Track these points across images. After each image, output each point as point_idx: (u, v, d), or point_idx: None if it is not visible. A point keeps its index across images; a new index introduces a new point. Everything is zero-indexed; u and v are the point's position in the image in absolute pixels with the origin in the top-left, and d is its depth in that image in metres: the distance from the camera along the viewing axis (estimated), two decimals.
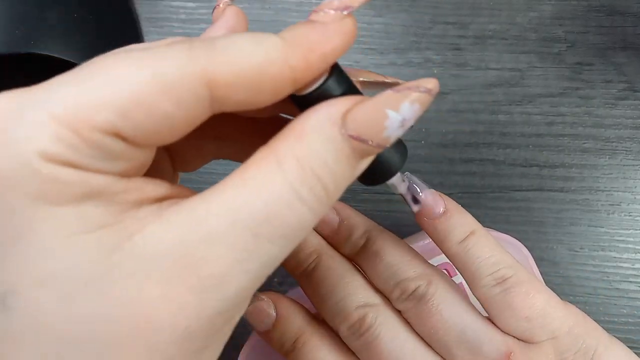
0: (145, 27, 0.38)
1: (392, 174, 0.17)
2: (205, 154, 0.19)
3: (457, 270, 0.28)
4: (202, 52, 0.13)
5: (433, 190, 0.22)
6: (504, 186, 0.34)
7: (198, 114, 0.13)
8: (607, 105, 0.34)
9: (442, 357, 0.21)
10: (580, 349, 0.21)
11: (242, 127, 0.18)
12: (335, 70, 0.15)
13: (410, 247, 0.23)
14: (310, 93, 0.15)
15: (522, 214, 0.33)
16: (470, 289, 0.22)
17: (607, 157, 0.33)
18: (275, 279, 0.34)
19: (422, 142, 0.34)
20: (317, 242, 0.24)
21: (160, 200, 0.14)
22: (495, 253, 0.22)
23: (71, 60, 0.34)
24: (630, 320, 0.32)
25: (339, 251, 0.24)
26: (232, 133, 0.18)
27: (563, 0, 0.35)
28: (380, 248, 0.23)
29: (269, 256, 0.13)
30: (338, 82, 0.15)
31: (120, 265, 0.12)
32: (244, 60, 0.13)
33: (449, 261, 0.28)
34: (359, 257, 0.23)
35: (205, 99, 0.13)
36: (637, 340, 0.32)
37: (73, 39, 0.34)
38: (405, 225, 0.34)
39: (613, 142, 0.33)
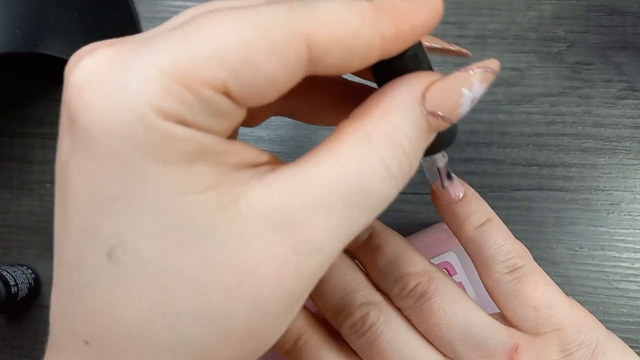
0: (145, 26, 0.38)
1: (441, 149, 0.18)
2: (271, 110, 0.19)
3: (457, 270, 0.28)
4: (303, 14, 0.13)
5: (454, 175, 0.23)
6: (503, 186, 0.34)
7: (297, 75, 0.13)
8: (606, 105, 0.34)
9: (445, 355, 0.22)
10: (583, 341, 0.21)
11: (308, 86, 0.19)
12: (417, 42, 0.15)
13: (412, 245, 0.23)
14: (394, 60, 0.15)
15: (522, 214, 0.33)
16: (481, 275, 0.22)
17: (607, 156, 0.33)
18: None
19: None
20: None
21: (255, 165, 0.14)
22: (509, 242, 0.22)
23: None
24: (630, 319, 0.32)
25: None
26: (299, 92, 0.19)
27: (563, 0, 0.35)
28: (382, 243, 0.23)
29: (357, 224, 0.14)
30: (418, 54, 0.15)
31: (228, 225, 0.13)
32: (342, 24, 0.13)
33: (449, 260, 0.28)
34: (360, 252, 0.24)
35: (305, 60, 0.13)
36: (637, 340, 0.32)
37: (73, 39, 0.34)
38: (405, 225, 0.34)
39: (613, 141, 0.33)
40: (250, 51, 0.12)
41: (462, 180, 0.23)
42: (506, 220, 0.23)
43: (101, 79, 0.12)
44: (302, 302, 0.15)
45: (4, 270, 0.34)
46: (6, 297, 0.33)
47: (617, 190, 0.33)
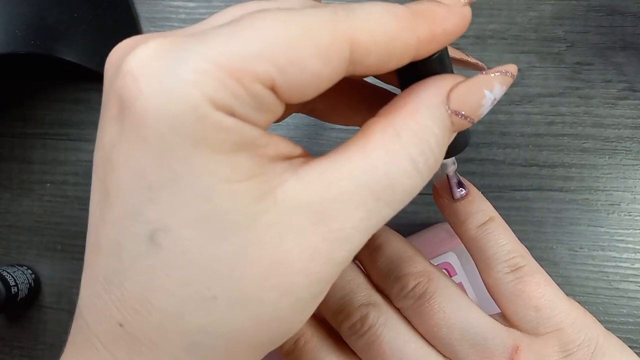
0: (144, 26, 0.38)
1: (456, 153, 0.18)
2: (295, 107, 0.20)
3: (457, 270, 0.28)
4: (346, 18, 0.14)
5: (456, 174, 0.23)
6: (503, 186, 0.34)
7: (339, 75, 0.14)
8: (606, 105, 0.34)
9: (445, 355, 0.22)
10: (583, 341, 0.21)
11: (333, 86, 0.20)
12: (444, 47, 0.16)
13: (412, 245, 0.23)
14: (421, 63, 0.16)
15: (522, 214, 0.33)
16: (482, 274, 0.23)
17: (607, 156, 0.33)
18: None
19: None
20: None
21: (289, 157, 0.15)
22: (511, 241, 0.22)
23: (71, 60, 0.34)
24: (630, 320, 0.33)
25: None
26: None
27: (563, 0, 0.35)
28: (383, 243, 0.23)
29: (383, 217, 0.15)
30: (443, 58, 0.16)
31: (265, 214, 0.14)
32: (382, 28, 0.14)
33: (449, 261, 0.28)
34: (361, 252, 0.24)
35: (347, 61, 0.14)
36: (637, 340, 0.32)
37: (73, 39, 0.34)
38: (405, 225, 0.34)
39: (613, 141, 0.33)
40: (298, 51, 0.13)
41: (464, 179, 0.23)
42: (506, 221, 0.23)
43: (157, 69, 0.13)
44: (327, 290, 0.15)
45: (4, 270, 0.34)
46: (6, 297, 0.33)
47: (617, 191, 0.33)
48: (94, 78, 0.36)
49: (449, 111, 0.15)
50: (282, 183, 0.14)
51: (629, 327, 0.33)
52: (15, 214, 0.37)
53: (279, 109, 0.14)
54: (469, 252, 0.23)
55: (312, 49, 0.13)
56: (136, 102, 0.13)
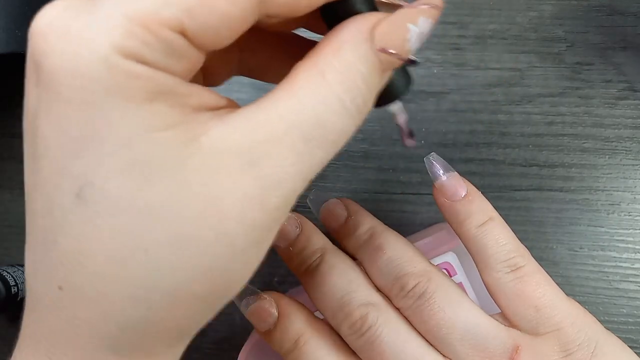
0: None
1: (397, 96, 0.18)
2: (230, 68, 0.20)
3: (457, 270, 0.28)
4: None
5: (456, 173, 0.23)
6: (503, 186, 0.34)
7: (250, 15, 0.14)
8: (606, 105, 0.34)
9: (445, 355, 0.22)
10: (583, 341, 0.21)
11: (264, 41, 0.20)
12: None
13: (412, 245, 0.23)
14: (342, 3, 0.16)
15: (522, 214, 0.33)
16: (482, 274, 0.23)
17: (607, 156, 0.33)
18: (276, 279, 0.34)
19: (422, 142, 0.34)
20: (322, 241, 0.24)
21: (215, 108, 0.15)
22: (511, 241, 0.22)
23: None
24: (630, 320, 0.32)
25: (343, 245, 0.24)
26: (255, 46, 0.20)
27: (563, 0, 0.35)
28: (383, 243, 0.23)
29: (316, 160, 0.15)
30: None
31: (191, 159, 0.13)
32: None
33: (449, 260, 0.28)
34: (361, 251, 0.24)
35: (255, 0, 0.14)
36: (637, 340, 0.32)
37: None
38: (405, 225, 0.34)
39: (613, 141, 0.33)
40: None
41: (464, 179, 0.23)
42: (506, 221, 0.23)
43: (64, 24, 0.13)
44: (269, 239, 0.15)
45: (4, 270, 0.34)
46: (6, 297, 0.33)
47: (617, 191, 0.33)
48: None
49: (375, 48, 0.15)
50: (207, 130, 0.14)
51: (629, 327, 0.33)
52: (15, 214, 0.37)
53: (196, 56, 0.14)
54: (469, 252, 0.23)
55: None
56: (47, 60, 0.13)
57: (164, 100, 0.13)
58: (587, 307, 0.22)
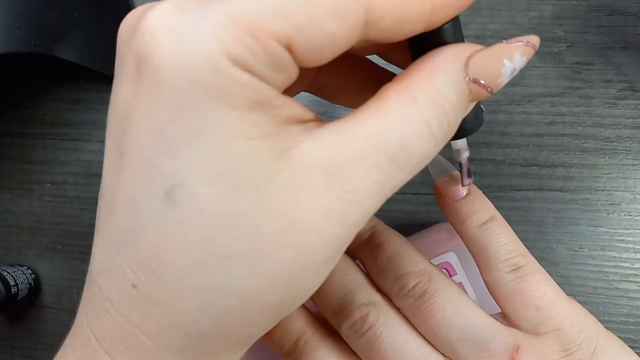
0: None
1: (467, 133, 0.18)
2: (302, 82, 0.20)
3: (457, 270, 0.28)
4: None
5: (458, 173, 0.23)
6: (503, 186, 0.34)
7: (354, 37, 0.14)
8: (606, 105, 0.34)
9: (445, 355, 0.22)
10: (583, 341, 0.21)
11: (341, 63, 0.19)
12: (455, 18, 0.16)
13: (412, 245, 0.23)
14: (434, 32, 0.16)
15: (522, 214, 0.33)
16: (482, 273, 0.23)
17: (607, 156, 0.33)
18: None
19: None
20: None
21: (303, 121, 0.15)
22: (512, 240, 0.22)
23: (71, 60, 0.34)
24: (630, 319, 0.33)
25: None
26: (332, 67, 0.20)
27: (563, 0, 0.35)
28: (383, 242, 0.23)
29: (397, 181, 0.15)
30: (456, 27, 0.16)
31: (281, 172, 0.14)
32: None
33: (449, 260, 0.28)
34: (361, 251, 0.24)
35: (362, 23, 0.14)
36: (637, 340, 0.32)
37: (73, 39, 0.34)
38: (405, 225, 0.34)
39: (613, 141, 0.33)
40: (315, 10, 0.13)
41: None
42: (506, 221, 0.23)
43: (175, 24, 0.13)
44: (341, 253, 0.15)
45: (4, 270, 0.34)
46: (6, 297, 0.33)
47: (617, 191, 0.33)
48: (93, 78, 0.36)
49: (467, 78, 0.15)
50: (298, 143, 0.14)
51: (629, 327, 0.33)
52: (15, 214, 0.37)
53: (294, 71, 0.14)
54: (469, 251, 0.23)
55: (328, 8, 0.13)
56: (154, 56, 0.13)
57: (262, 110, 0.13)
58: (587, 307, 0.22)
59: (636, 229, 0.33)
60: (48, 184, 0.37)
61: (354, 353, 0.22)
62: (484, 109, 0.18)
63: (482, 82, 0.15)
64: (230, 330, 0.15)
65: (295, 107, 0.15)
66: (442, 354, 0.22)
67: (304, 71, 0.18)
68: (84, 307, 0.16)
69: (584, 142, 0.34)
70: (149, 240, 0.14)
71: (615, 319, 0.33)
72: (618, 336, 0.22)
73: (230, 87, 0.13)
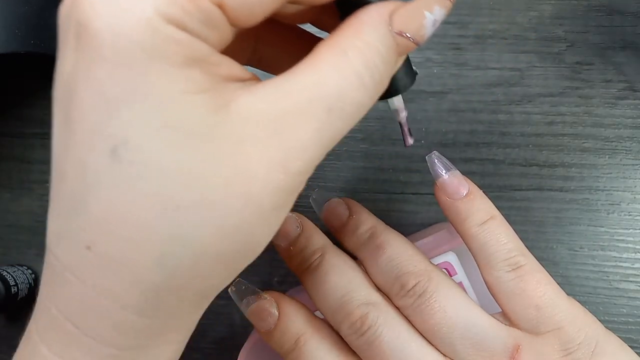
0: None
1: (400, 90, 0.19)
2: (244, 56, 0.21)
3: (457, 270, 0.28)
4: None
5: (458, 172, 0.23)
6: (503, 186, 0.34)
7: None
8: (606, 105, 0.34)
9: (445, 355, 0.22)
10: (583, 340, 0.21)
11: (278, 34, 0.21)
12: None
13: (413, 245, 0.23)
14: None
15: (522, 214, 0.33)
16: (482, 273, 0.23)
17: (607, 156, 0.33)
18: (276, 279, 0.34)
19: (422, 142, 0.34)
20: (322, 241, 0.24)
21: (241, 80, 0.15)
22: (512, 239, 0.22)
23: None
24: (630, 319, 0.33)
25: (344, 244, 0.24)
26: (270, 38, 0.21)
27: (563, 0, 0.35)
28: (383, 242, 0.23)
29: (336, 130, 0.16)
30: None
31: (222, 124, 0.14)
32: None
33: (449, 260, 0.28)
34: (362, 251, 0.24)
35: None
36: (637, 340, 0.32)
37: None
38: (405, 225, 0.34)
39: (613, 141, 0.33)
40: None
41: (466, 178, 0.23)
42: (506, 221, 0.23)
43: None
44: (289, 203, 0.16)
45: (4, 270, 0.34)
46: (6, 297, 0.33)
47: (617, 190, 0.33)
48: None
49: (393, 32, 0.16)
50: (236, 98, 0.15)
51: (629, 327, 0.33)
52: (15, 214, 0.37)
53: (227, 30, 0.15)
54: (470, 250, 0.23)
55: None
56: (92, 22, 0.13)
57: (199, 67, 0.14)
58: (587, 307, 0.22)
59: (636, 229, 0.33)
60: (48, 184, 0.37)
61: (353, 353, 0.22)
62: (417, 72, 0.20)
63: (407, 34, 0.16)
64: (185, 282, 0.15)
65: (233, 66, 0.15)
66: (442, 353, 0.22)
67: (240, 42, 0.19)
68: (43, 281, 0.16)
69: (584, 142, 0.34)
70: (99, 200, 0.14)
71: (615, 319, 0.33)
72: (618, 336, 0.22)
73: (167, 44, 0.13)
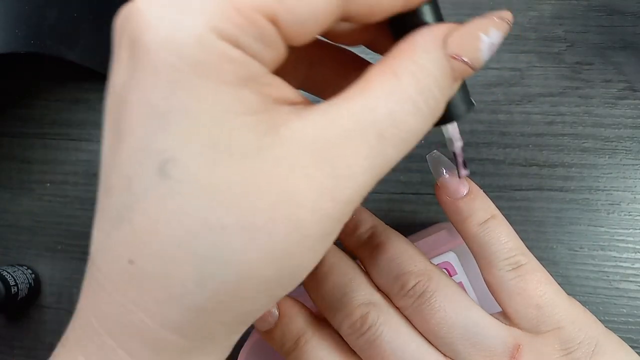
0: None
1: (455, 117, 0.18)
2: (298, 80, 0.20)
3: (457, 270, 0.28)
4: None
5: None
6: (503, 186, 0.34)
7: (334, 10, 0.14)
8: (606, 105, 0.34)
9: (446, 355, 0.22)
10: (583, 339, 0.21)
11: (332, 57, 0.21)
12: None
13: (413, 245, 0.23)
14: (412, 14, 0.16)
15: (522, 214, 0.33)
16: (483, 272, 0.23)
17: (607, 156, 0.33)
18: None
19: (422, 142, 0.34)
20: None
21: (292, 103, 0.15)
22: (513, 239, 0.22)
23: (72, 60, 0.34)
24: (630, 319, 0.33)
25: (344, 244, 0.24)
26: (324, 61, 0.20)
27: (563, 0, 0.35)
28: (384, 242, 0.23)
29: (388, 157, 0.15)
30: (435, 8, 0.17)
31: (270, 147, 0.14)
32: None
33: (449, 260, 0.28)
34: (362, 250, 0.24)
35: None
36: (637, 340, 0.32)
37: (73, 39, 0.34)
38: (404, 225, 0.34)
39: (613, 141, 0.33)
40: None
41: (466, 177, 0.23)
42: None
43: (164, 3, 0.13)
44: (337, 232, 0.16)
45: (4, 270, 0.34)
46: (6, 297, 0.33)
47: (617, 190, 0.33)
48: (94, 78, 0.36)
49: (448, 55, 0.15)
50: (286, 122, 0.14)
51: (629, 326, 0.33)
52: (15, 214, 0.37)
53: (281, 47, 0.14)
54: (470, 249, 0.23)
55: None
56: (144, 35, 0.13)
57: (251, 86, 0.14)
58: (587, 307, 0.22)
59: (636, 229, 0.33)
60: (48, 184, 0.37)
61: (354, 352, 0.22)
62: (475, 103, 0.19)
63: (463, 58, 0.16)
64: (226, 304, 0.15)
65: (284, 88, 0.15)
66: (442, 353, 0.22)
67: (294, 64, 0.18)
68: (84, 291, 0.16)
69: (584, 142, 0.34)
70: (143, 214, 0.14)
71: (615, 319, 0.33)
72: (618, 336, 0.22)
73: (218, 62, 0.13)
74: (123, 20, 0.14)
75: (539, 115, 0.34)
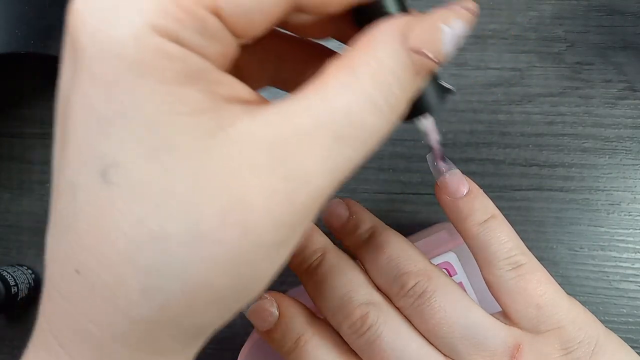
0: None
1: (425, 110, 0.17)
2: (266, 76, 0.19)
3: (457, 270, 0.28)
4: None
5: (459, 171, 0.23)
6: (503, 186, 0.34)
7: (280, 1, 0.14)
8: (606, 105, 0.34)
9: (446, 354, 0.22)
10: (583, 339, 0.21)
11: (301, 51, 0.19)
12: None
13: (413, 245, 0.23)
14: (374, 5, 0.15)
15: (522, 214, 0.33)
16: (483, 272, 0.23)
17: (607, 156, 0.33)
18: (276, 279, 0.34)
19: (422, 141, 0.34)
20: (323, 241, 0.24)
21: (246, 102, 0.14)
22: (513, 239, 0.22)
23: None
24: (630, 319, 0.33)
25: (344, 244, 0.24)
26: (292, 56, 0.19)
27: (563, 0, 0.35)
28: (383, 242, 0.23)
29: (346, 159, 0.14)
30: (397, 0, 0.16)
31: (218, 149, 0.13)
32: None
33: (449, 260, 0.28)
34: (362, 250, 0.24)
35: None
36: (637, 340, 0.32)
37: None
38: (405, 225, 0.34)
39: (613, 141, 0.33)
40: None
41: (466, 177, 0.23)
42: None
43: (99, 1, 0.13)
44: (295, 239, 0.15)
45: (4, 270, 0.34)
46: (6, 297, 0.33)
47: (617, 190, 0.33)
48: None
49: (408, 49, 0.14)
50: (235, 121, 0.13)
51: (629, 326, 0.33)
52: (15, 214, 0.37)
53: (228, 41, 0.14)
54: (470, 249, 0.23)
55: None
56: (82, 36, 0.13)
57: (194, 84, 0.13)
58: (587, 307, 0.22)
59: (636, 229, 0.33)
60: (48, 184, 0.37)
61: (354, 353, 0.22)
62: (453, 90, 0.18)
63: (425, 51, 0.15)
64: (175, 317, 0.14)
65: (236, 86, 0.14)
66: (442, 353, 0.22)
67: (260, 61, 0.18)
68: (42, 299, 0.16)
69: (584, 142, 0.34)
70: (88, 222, 0.13)
71: (615, 319, 0.33)
72: (618, 336, 0.22)
73: (156, 59, 0.12)
74: (67, 20, 0.14)
75: (539, 115, 0.34)
